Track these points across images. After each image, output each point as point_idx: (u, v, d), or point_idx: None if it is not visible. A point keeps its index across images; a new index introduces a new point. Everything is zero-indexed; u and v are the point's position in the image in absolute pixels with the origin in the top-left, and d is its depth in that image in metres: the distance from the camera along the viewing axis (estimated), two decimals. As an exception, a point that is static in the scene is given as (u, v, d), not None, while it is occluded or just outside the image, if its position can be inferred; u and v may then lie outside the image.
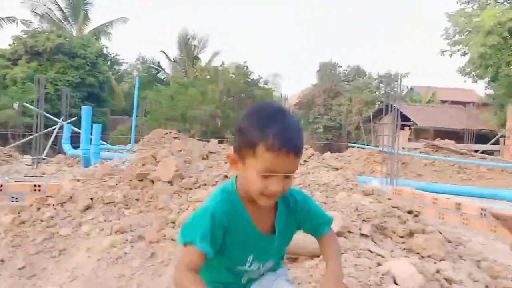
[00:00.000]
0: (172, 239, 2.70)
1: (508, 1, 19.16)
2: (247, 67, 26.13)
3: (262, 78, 27.31)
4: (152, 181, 3.75)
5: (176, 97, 24.34)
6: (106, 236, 2.78)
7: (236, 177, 1.39)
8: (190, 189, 3.62)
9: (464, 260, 3.32)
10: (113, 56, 31.72)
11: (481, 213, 5.08)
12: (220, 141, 6.48)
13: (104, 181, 3.82)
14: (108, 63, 29.91)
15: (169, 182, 3.68)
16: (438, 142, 13.03)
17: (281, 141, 1.23)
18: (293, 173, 1.32)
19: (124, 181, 3.81)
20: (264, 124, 1.26)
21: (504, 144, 16.44)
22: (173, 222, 2.99)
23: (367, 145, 15.97)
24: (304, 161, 4.21)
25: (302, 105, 31.25)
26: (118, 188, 3.62)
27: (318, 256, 2.60)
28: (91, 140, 8.66)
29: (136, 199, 3.47)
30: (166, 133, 12.15)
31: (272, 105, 1.38)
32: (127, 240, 2.66)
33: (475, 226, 5.03)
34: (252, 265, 1.41)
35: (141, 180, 3.75)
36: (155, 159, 4.13)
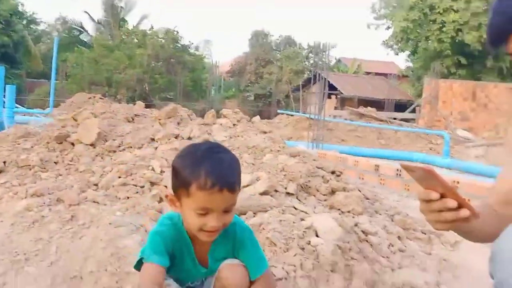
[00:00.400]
0: (94, 201, 2.60)
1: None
2: (177, 32, 25.31)
3: (192, 44, 26.69)
4: (73, 144, 3.55)
5: (100, 60, 23.05)
6: (21, 200, 2.60)
7: None
8: (114, 152, 3.48)
9: (380, 214, 3.57)
10: (30, 15, 29.06)
11: (397, 174, 5.47)
12: (148, 106, 6.28)
13: (18, 144, 3.55)
14: (24, 21, 27.37)
15: (91, 144, 3.51)
16: (361, 109, 13.70)
17: (212, 179, 1.24)
18: (230, 208, 1.34)
19: (41, 144, 3.57)
20: (196, 164, 1.28)
21: (419, 112, 17.67)
22: (95, 185, 2.87)
23: (296, 112, 16.37)
24: (234, 124, 4.21)
25: (234, 73, 31.14)
26: (34, 151, 3.39)
27: (244, 214, 2.65)
28: (4, 103, 7.97)
29: (55, 162, 3.28)
30: (90, 98, 11.50)
31: (206, 144, 1.42)
32: (44, 203, 2.51)
33: (391, 185, 5.42)
34: (194, 283, 1.51)
35: (61, 143, 3.54)
36: (76, 121, 3.90)
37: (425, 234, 3.67)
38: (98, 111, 4.11)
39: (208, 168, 1.27)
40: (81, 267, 2.05)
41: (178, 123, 3.95)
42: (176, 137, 3.61)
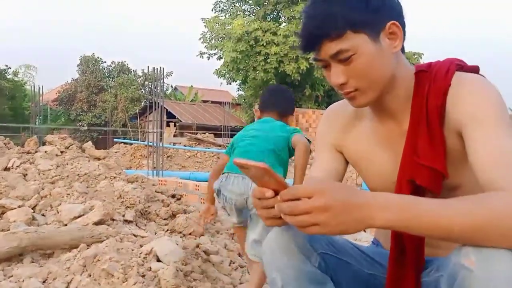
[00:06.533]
0: None
1: (254, 14, 22.09)
2: (-11, 55, 22.24)
3: (10, 68, 23.76)
4: None
5: None
6: None
7: None
8: None
9: (221, 234, 3.66)
10: None
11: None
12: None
13: None
14: None
15: None
16: (200, 136, 14.02)
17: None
18: None
19: None
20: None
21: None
22: None
23: (134, 140, 15.83)
24: (61, 152, 3.84)
25: (62, 101, 28.68)
26: None
27: (76, 247, 2.42)
28: None
29: None
30: None
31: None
32: None
33: (231, 206, 5.61)
34: None
35: None
36: None
37: (263, 247, 3.89)
38: None
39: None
40: None
41: (-8, 154, 3.42)
42: (-11, 169, 3.11)
